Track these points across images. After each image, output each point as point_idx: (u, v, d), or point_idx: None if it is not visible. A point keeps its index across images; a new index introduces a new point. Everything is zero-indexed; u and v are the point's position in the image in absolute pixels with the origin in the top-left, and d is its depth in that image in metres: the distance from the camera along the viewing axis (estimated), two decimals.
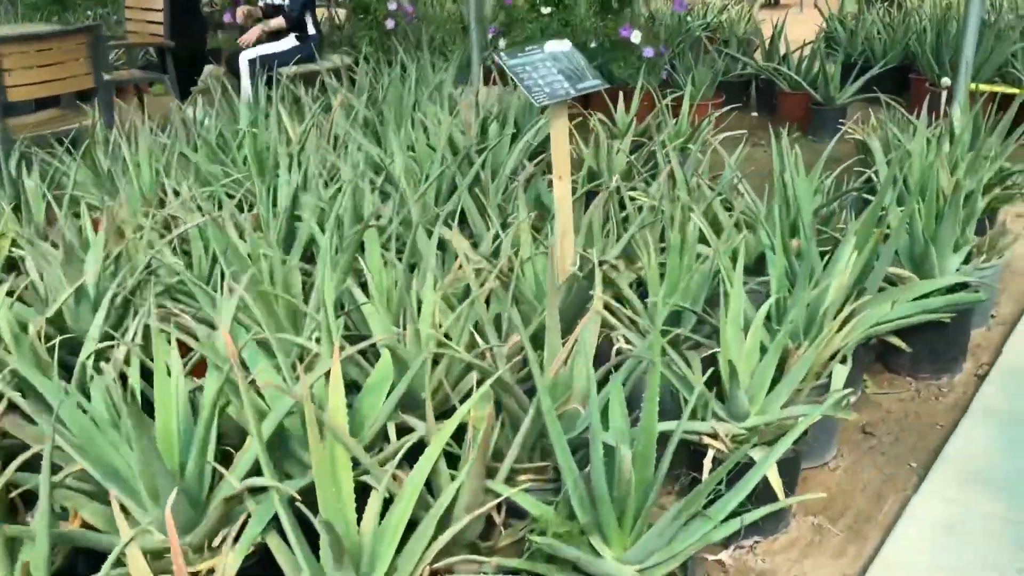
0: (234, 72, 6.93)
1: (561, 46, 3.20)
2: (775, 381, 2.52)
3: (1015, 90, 5.72)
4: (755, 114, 7.34)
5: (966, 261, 3.43)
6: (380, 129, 4.95)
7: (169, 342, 2.24)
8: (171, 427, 2.06)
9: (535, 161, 4.48)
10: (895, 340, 3.08)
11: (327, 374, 2.12)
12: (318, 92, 5.88)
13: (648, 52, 6.71)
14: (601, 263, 2.95)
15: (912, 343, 3.15)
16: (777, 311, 2.85)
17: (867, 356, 3.23)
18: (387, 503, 2.01)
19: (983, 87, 5.86)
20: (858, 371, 3.16)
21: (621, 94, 5.82)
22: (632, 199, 3.99)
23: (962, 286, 3.22)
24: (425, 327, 2.63)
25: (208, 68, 8.20)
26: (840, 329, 2.73)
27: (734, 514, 2.08)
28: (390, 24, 7.72)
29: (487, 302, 2.87)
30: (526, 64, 3.05)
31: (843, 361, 2.71)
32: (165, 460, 2.05)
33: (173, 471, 2.04)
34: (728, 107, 6.61)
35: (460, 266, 3.21)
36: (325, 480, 1.84)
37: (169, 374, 2.18)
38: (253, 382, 2.25)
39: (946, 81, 5.73)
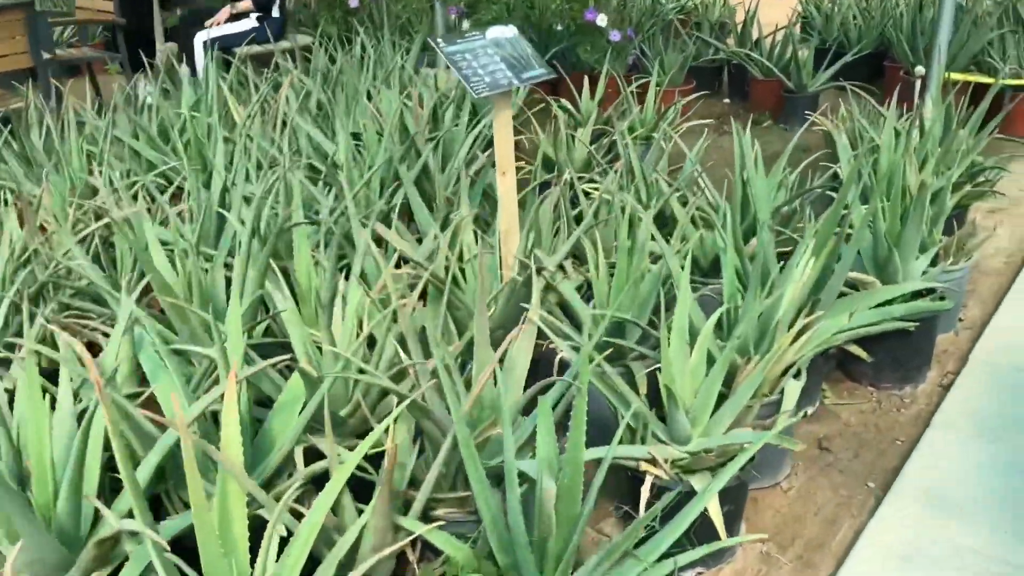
0: (188, 53, 6.66)
1: (505, 32, 2.99)
2: (723, 398, 2.35)
3: (989, 79, 5.56)
4: (727, 101, 7.15)
5: (933, 263, 3.26)
6: (331, 112, 4.73)
7: (54, 358, 2.03)
8: (44, 458, 1.85)
9: (488, 151, 4.27)
10: (855, 349, 2.91)
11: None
12: (274, 74, 5.64)
13: (615, 36, 6.49)
14: (541, 270, 2.76)
15: (874, 351, 2.98)
16: (729, 321, 2.66)
17: (826, 364, 3.05)
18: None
19: (957, 76, 5.68)
20: (817, 380, 2.99)
21: (586, 79, 5.61)
22: (587, 194, 3.80)
23: (928, 291, 3.06)
24: (346, 339, 2.43)
25: (163, 47, 7.90)
26: (794, 341, 2.55)
27: (671, 551, 1.90)
28: (353, 2, 7.45)
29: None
30: (465, 51, 2.83)
31: (797, 375, 2.54)
32: (38, 494, 1.84)
33: (46, 506, 1.84)
34: (698, 94, 6.43)
35: (397, 268, 3.01)
36: (205, 523, 1.64)
37: (54, 396, 1.97)
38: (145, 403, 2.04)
39: (920, 70, 5.56)
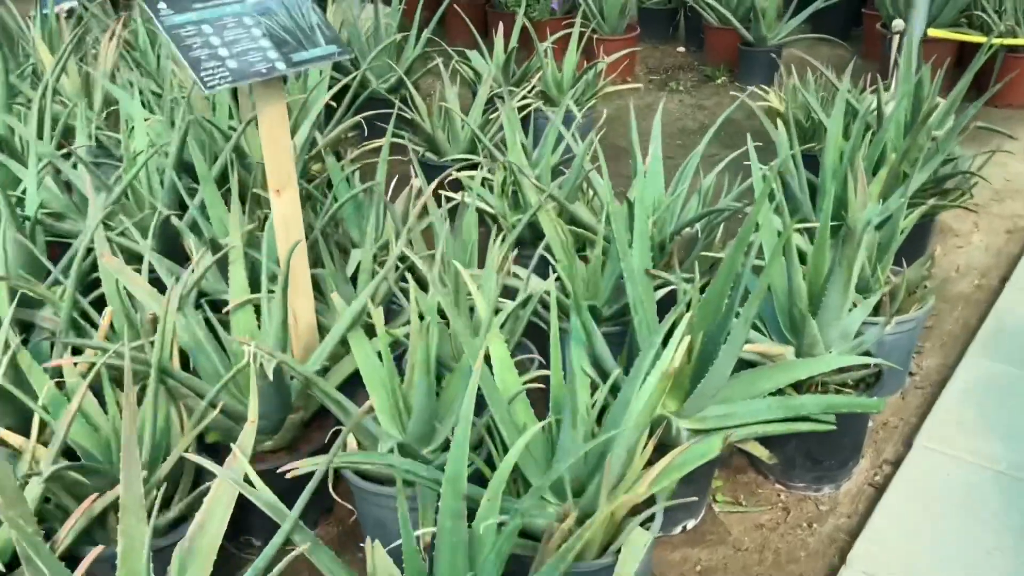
0: None
1: None
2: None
3: (979, 38, 4.66)
4: (681, 49, 6.21)
5: (875, 312, 2.47)
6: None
7: None
8: None
9: (329, 131, 3.41)
10: (754, 449, 2.12)
11: None
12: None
13: None
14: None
15: (783, 442, 2.20)
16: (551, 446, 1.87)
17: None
18: None
19: (939, 33, 4.78)
20: (704, 479, 2.21)
21: (501, 26, 4.69)
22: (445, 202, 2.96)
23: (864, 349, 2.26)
24: None
25: None
26: (647, 466, 1.76)
27: None
28: None
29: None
30: (203, 23, 1.97)
31: (648, 522, 1.75)
32: None
33: None
34: (640, 45, 5.51)
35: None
36: None
37: None
38: None
39: (898, 24, 4.64)
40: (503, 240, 2.53)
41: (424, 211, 2.72)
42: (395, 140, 3.77)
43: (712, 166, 3.00)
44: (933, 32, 4.72)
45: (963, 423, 2.47)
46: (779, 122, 3.06)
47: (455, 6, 6.36)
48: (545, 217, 2.65)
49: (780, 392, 2.16)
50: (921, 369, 2.80)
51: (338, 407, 1.99)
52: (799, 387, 2.23)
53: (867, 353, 2.29)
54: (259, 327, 2.22)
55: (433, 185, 2.90)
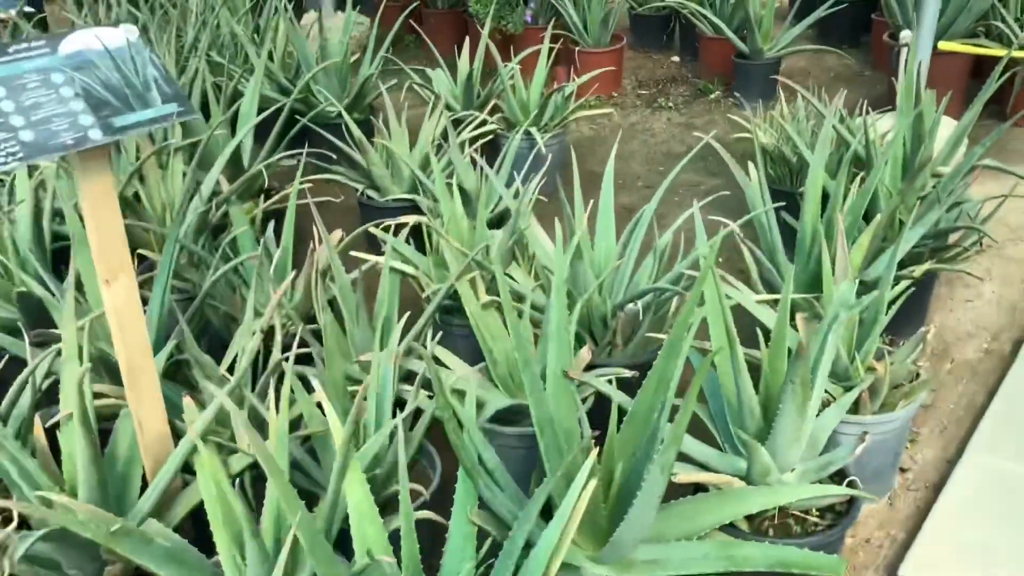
0: None
1: (110, 39, 1.72)
2: None
3: (997, 51, 4.19)
4: (676, 59, 5.76)
5: (855, 407, 2.05)
6: None
7: None
8: None
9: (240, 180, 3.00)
10: None
11: None
12: None
13: None
14: None
15: None
16: None
17: None
18: None
19: (950, 46, 4.31)
20: None
21: (467, 43, 4.27)
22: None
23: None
24: None
25: None
26: None
27: None
28: None
29: None
30: None
31: None
32: None
33: None
34: (635, 52, 5.06)
35: None
36: None
37: None
38: None
39: (905, 35, 4.19)
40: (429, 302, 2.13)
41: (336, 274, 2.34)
42: (331, 177, 3.41)
43: (695, 196, 2.58)
44: (944, 45, 4.26)
45: (962, 545, 2.04)
46: (751, 167, 2.63)
47: (434, 17, 5.98)
48: (465, 289, 2.25)
49: (730, 524, 1.76)
50: (915, 464, 2.38)
51: (165, 563, 1.60)
52: (752, 517, 1.82)
53: (840, 473, 1.88)
54: None
55: (352, 238, 2.52)
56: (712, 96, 5.09)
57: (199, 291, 2.27)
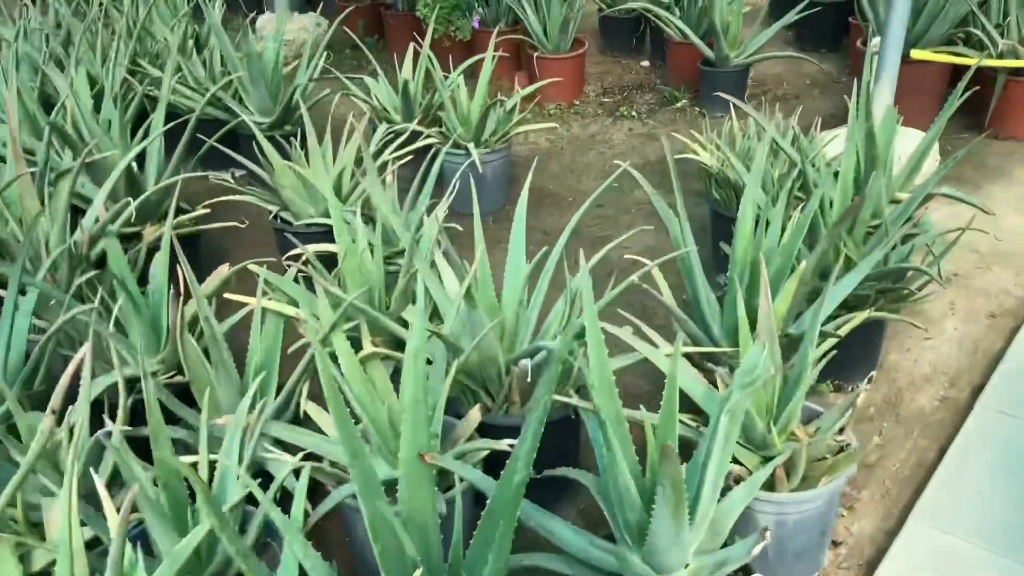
0: None
1: None
2: None
3: (968, 60, 3.91)
4: (645, 63, 5.48)
5: (769, 486, 1.80)
6: None
7: None
8: None
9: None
10: None
11: None
12: None
13: None
14: None
15: None
16: None
17: None
18: None
19: (923, 55, 4.04)
20: None
21: (411, 48, 4.01)
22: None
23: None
24: None
25: None
26: None
27: None
28: None
29: None
30: None
31: None
32: None
33: None
34: (604, 56, 4.78)
35: None
36: None
37: None
38: None
39: (875, 42, 3.91)
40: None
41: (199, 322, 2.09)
42: (241, 199, 3.17)
43: (648, 216, 2.33)
44: (916, 54, 3.99)
45: None
46: (671, 210, 2.36)
47: (393, 19, 5.72)
48: (340, 342, 2.00)
49: None
50: (850, 536, 2.12)
51: None
52: None
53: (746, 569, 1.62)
54: None
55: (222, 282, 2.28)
56: (678, 105, 4.82)
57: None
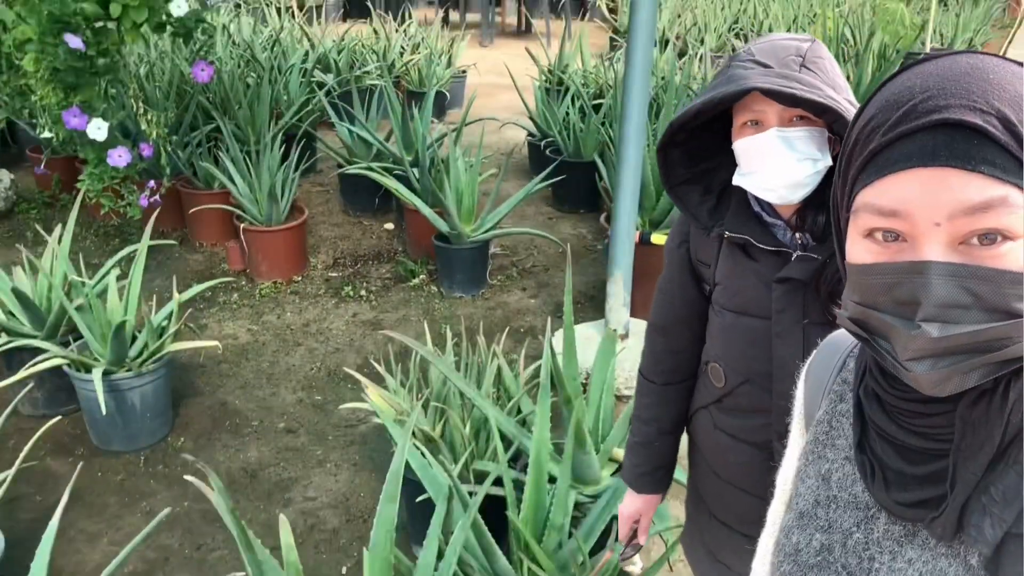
0: None
1: None
2: None
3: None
4: (390, 226, 4.85)
5: None
6: None
7: None
8: None
9: None
10: None
11: None
12: None
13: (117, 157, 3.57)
14: None
15: None
16: None
17: None
18: None
19: (662, 239, 3.58)
20: None
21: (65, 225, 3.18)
22: None
23: None
24: None
25: None
26: None
27: None
28: None
29: None
30: None
31: None
32: None
33: None
34: (345, 216, 4.09)
35: None
36: None
37: None
38: None
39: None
40: None
41: None
42: None
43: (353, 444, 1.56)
44: (658, 238, 3.53)
45: None
46: None
47: None
48: None
49: None
50: None
51: None
52: None
53: None
54: None
55: None
56: (415, 282, 4.19)
57: None
